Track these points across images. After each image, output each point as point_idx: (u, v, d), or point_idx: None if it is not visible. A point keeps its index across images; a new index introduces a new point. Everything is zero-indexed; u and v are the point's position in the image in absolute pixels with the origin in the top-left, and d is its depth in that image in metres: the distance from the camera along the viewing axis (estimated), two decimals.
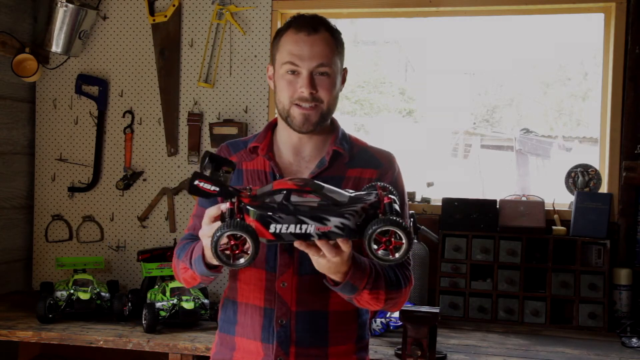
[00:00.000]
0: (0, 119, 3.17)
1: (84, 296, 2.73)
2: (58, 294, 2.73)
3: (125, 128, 3.28)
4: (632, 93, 2.90)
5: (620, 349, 2.52)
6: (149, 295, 2.76)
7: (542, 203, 2.99)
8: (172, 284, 2.69)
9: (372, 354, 2.31)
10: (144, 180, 3.27)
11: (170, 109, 3.24)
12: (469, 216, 2.98)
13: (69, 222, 3.32)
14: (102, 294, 2.79)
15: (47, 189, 3.34)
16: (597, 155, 3.03)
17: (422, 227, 2.90)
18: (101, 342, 2.50)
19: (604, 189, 2.97)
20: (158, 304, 2.62)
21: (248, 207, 1.39)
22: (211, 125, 3.15)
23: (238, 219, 1.37)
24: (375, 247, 1.38)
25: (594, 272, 2.85)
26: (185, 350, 2.43)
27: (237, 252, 1.37)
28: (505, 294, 2.89)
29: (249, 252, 1.37)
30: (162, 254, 3.00)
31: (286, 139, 1.73)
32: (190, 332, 2.59)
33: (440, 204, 3.04)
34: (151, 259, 2.96)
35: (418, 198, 3.15)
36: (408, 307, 2.32)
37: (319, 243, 1.40)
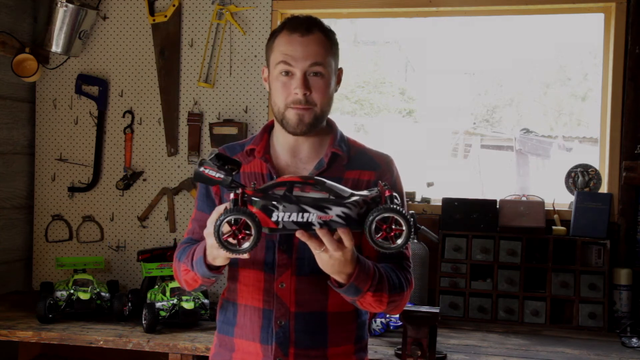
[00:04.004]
0: (0, 119, 3.17)
1: (84, 296, 2.73)
2: (58, 294, 2.73)
3: (125, 128, 3.28)
4: (632, 93, 2.90)
5: (620, 349, 2.51)
6: (149, 295, 2.76)
7: (542, 203, 2.99)
8: (172, 284, 2.69)
9: (372, 354, 2.32)
10: (144, 180, 3.27)
11: (170, 109, 3.24)
12: (469, 216, 2.98)
13: (69, 222, 3.32)
14: (102, 294, 2.79)
15: (47, 189, 3.34)
16: (597, 155, 3.03)
17: (422, 227, 2.89)
18: (101, 342, 2.50)
19: (604, 189, 2.97)
20: (158, 304, 2.62)
21: (252, 197, 1.41)
22: (211, 125, 3.15)
23: (241, 207, 1.39)
24: (376, 235, 1.40)
25: (594, 272, 2.85)
26: (185, 350, 2.43)
27: (240, 236, 1.39)
28: (505, 294, 2.89)
29: (250, 234, 1.39)
30: (162, 254, 3.00)
31: (283, 141, 1.73)
32: (190, 332, 2.59)
33: (440, 204, 3.04)
34: (151, 259, 2.96)
35: (418, 198, 3.15)
36: (408, 307, 2.32)
37: (320, 232, 1.41)
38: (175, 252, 1.75)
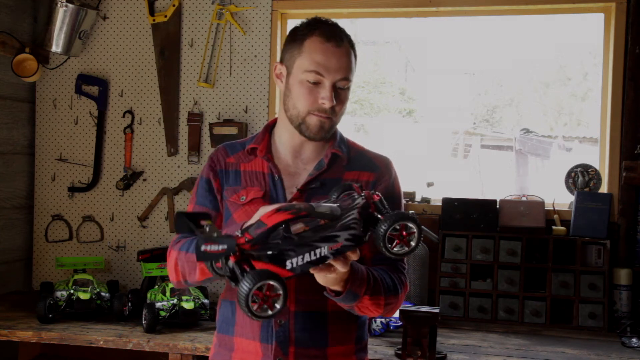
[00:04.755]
0: (0, 119, 3.17)
1: (84, 296, 2.72)
2: (58, 294, 2.73)
3: (125, 128, 3.28)
4: (632, 93, 2.90)
5: (620, 349, 2.51)
6: (149, 295, 2.76)
7: (542, 203, 2.99)
8: (172, 284, 2.69)
9: (372, 354, 2.32)
10: (144, 180, 3.27)
11: (170, 109, 3.24)
12: (469, 216, 2.98)
13: (69, 222, 3.32)
14: (102, 294, 2.79)
15: (47, 189, 3.34)
16: (597, 155, 3.03)
17: (422, 227, 2.90)
18: (101, 342, 2.50)
19: (604, 189, 2.97)
20: (158, 304, 2.62)
21: (252, 253, 1.33)
22: (211, 125, 3.15)
23: (255, 270, 1.30)
24: (390, 245, 1.40)
25: (594, 272, 2.85)
26: (185, 350, 2.43)
27: (268, 302, 1.29)
28: (505, 294, 2.89)
29: (279, 293, 1.29)
30: (162, 254, 2.99)
31: (287, 141, 1.73)
32: (190, 332, 2.59)
33: (440, 204, 3.04)
34: (151, 259, 2.96)
35: (418, 198, 3.15)
36: (408, 307, 2.32)
37: (335, 262, 1.41)
38: (172, 245, 1.71)
